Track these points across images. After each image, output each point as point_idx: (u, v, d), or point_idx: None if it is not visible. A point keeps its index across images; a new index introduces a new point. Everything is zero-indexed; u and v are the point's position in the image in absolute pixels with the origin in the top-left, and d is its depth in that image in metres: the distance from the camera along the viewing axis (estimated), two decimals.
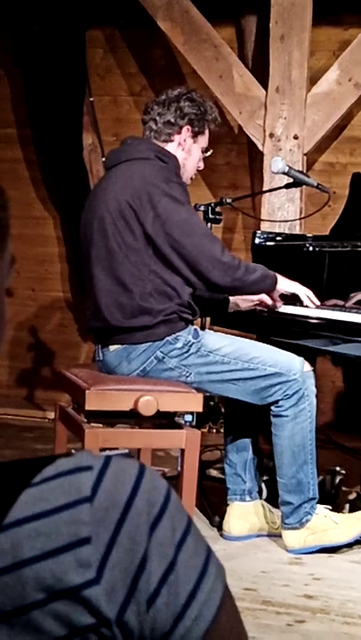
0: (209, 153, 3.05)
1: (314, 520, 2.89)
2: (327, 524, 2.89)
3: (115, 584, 0.63)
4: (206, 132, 2.99)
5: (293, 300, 3.02)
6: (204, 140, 2.99)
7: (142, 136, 3.00)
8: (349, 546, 2.94)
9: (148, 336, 2.80)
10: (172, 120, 2.92)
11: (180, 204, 2.75)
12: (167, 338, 2.81)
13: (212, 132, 3.03)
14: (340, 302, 3.03)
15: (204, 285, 2.84)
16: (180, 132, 2.94)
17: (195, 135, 2.96)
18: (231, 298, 3.09)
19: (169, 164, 2.88)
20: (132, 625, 0.64)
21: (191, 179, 3.04)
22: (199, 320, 3.16)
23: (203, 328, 3.12)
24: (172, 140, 2.94)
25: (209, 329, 3.17)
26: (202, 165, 3.04)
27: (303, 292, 2.99)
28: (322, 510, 2.92)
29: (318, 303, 3.00)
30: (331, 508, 2.98)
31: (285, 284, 2.97)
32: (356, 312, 2.87)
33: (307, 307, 2.98)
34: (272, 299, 3.01)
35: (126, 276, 2.77)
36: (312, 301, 2.99)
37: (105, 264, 2.81)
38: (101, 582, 0.63)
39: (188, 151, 2.96)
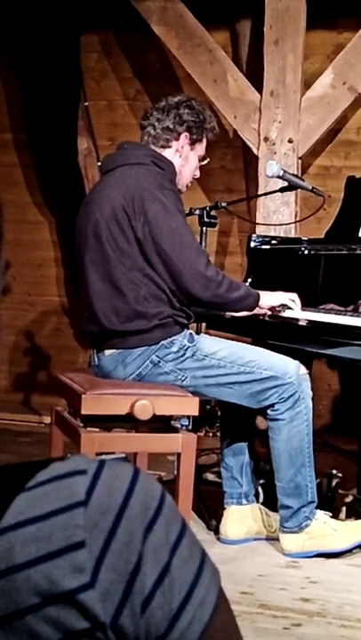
0: (206, 161, 3.06)
1: (313, 525, 2.88)
2: (326, 531, 2.89)
3: (109, 588, 0.63)
4: (204, 140, 3.00)
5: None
6: (201, 149, 3.00)
7: (140, 141, 3.00)
8: (347, 551, 2.94)
9: (144, 340, 2.80)
10: (171, 126, 2.93)
11: (171, 212, 2.75)
12: (162, 342, 2.81)
13: (209, 141, 3.04)
14: (337, 307, 3.03)
15: (185, 298, 2.82)
16: (178, 139, 2.94)
17: (192, 143, 2.97)
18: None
19: (165, 169, 2.88)
20: (127, 629, 0.64)
21: (187, 186, 3.05)
22: (194, 324, 3.16)
23: (198, 332, 3.12)
24: (169, 147, 2.95)
25: (204, 333, 3.18)
26: (198, 174, 3.05)
27: (288, 298, 2.98)
28: (322, 516, 2.92)
29: (300, 305, 2.99)
30: (331, 514, 2.98)
31: (269, 300, 2.96)
32: (352, 315, 2.87)
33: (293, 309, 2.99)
34: (258, 313, 3.00)
35: (121, 280, 2.78)
36: (298, 304, 2.99)
37: (99, 268, 2.81)
38: (96, 586, 0.63)
39: (185, 158, 2.97)
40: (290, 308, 2.99)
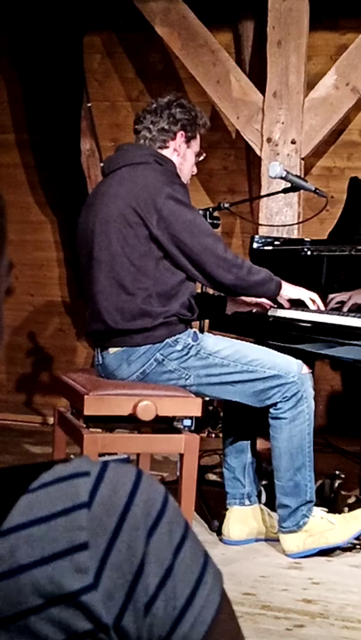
0: (202, 157, 3.09)
1: (311, 522, 2.89)
2: (324, 526, 2.89)
3: (112, 589, 0.64)
4: (198, 136, 3.03)
5: (297, 304, 3.02)
6: (196, 145, 3.03)
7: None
8: (348, 549, 2.94)
9: (148, 338, 2.80)
10: (167, 127, 2.94)
11: (184, 205, 2.79)
12: (167, 340, 2.81)
13: (203, 137, 3.07)
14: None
15: (209, 284, 2.89)
16: (174, 138, 2.96)
17: (188, 140, 2.99)
18: (229, 303, 3.11)
19: (168, 167, 2.90)
20: (130, 630, 0.64)
21: (186, 184, 3.06)
22: (198, 323, 3.17)
23: (202, 331, 3.13)
24: (167, 147, 2.96)
25: (207, 332, 3.18)
26: (195, 170, 3.08)
27: (308, 297, 2.99)
28: (318, 512, 2.92)
29: (323, 308, 3.00)
30: (327, 510, 2.98)
31: (290, 291, 2.97)
32: (355, 316, 2.87)
33: (313, 311, 2.98)
34: (269, 304, 3.02)
35: (128, 278, 2.79)
36: (318, 305, 2.99)
37: (106, 267, 2.82)
38: (99, 588, 0.63)
39: (183, 156, 2.99)
40: (306, 306, 2.98)
